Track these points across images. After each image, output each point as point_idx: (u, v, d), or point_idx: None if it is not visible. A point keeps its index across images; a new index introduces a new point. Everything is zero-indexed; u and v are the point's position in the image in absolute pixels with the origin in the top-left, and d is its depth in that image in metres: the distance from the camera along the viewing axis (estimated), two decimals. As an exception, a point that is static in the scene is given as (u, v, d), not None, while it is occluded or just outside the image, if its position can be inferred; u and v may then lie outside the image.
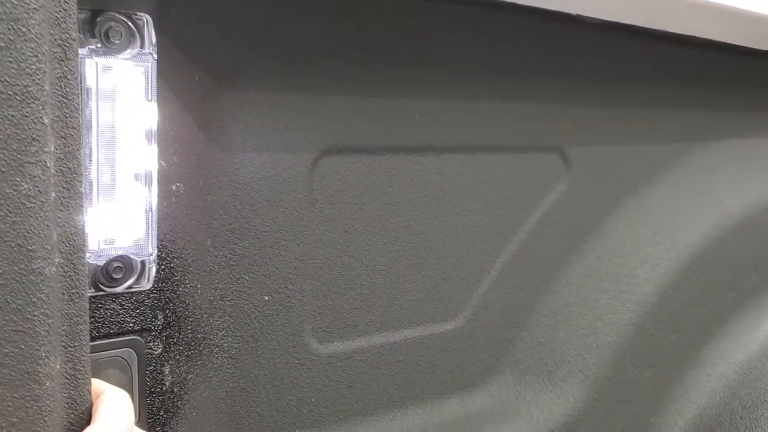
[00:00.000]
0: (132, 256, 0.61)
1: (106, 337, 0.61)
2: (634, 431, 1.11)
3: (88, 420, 0.51)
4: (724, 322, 1.20)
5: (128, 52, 0.58)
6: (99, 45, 0.57)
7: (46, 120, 0.46)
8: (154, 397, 0.66)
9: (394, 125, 0.82)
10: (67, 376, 0.50)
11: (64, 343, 0.50)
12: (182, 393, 0.69)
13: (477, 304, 0.95)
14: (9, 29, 0.44)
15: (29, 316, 0.47)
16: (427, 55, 0.83)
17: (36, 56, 0.46)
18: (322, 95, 0.76)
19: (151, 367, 0.65)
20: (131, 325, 0.63)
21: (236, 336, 0.75)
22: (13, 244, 0.46)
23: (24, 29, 0.45)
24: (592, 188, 1.04)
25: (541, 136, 0.99)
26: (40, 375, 0.47)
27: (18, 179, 0.45)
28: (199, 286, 0.70)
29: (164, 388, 0.67)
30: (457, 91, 0.87)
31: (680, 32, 0.95)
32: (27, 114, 0.45)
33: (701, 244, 1.15)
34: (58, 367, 0.49)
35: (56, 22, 0.48)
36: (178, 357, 0.68)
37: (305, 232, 0.78)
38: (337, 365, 0.84)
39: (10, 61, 0.45)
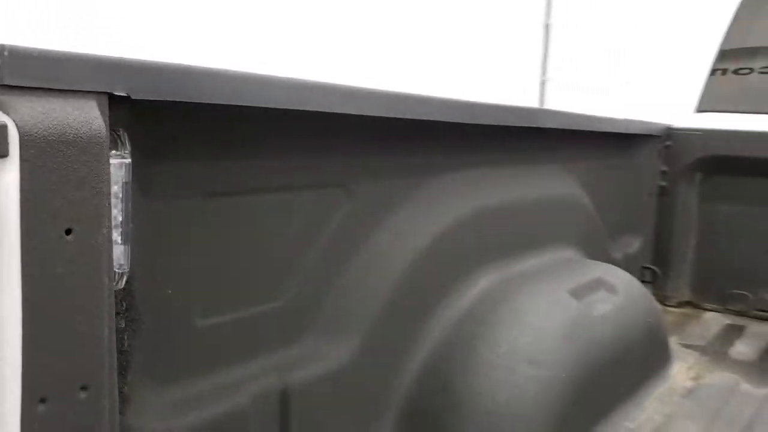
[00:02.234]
0: (117, 270, 1.04)
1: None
2: (404, 358, 1.69)
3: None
4: (451, 286, 1.85)
5: (114, 153, 1.02)
6: (101, 150, 1.00)
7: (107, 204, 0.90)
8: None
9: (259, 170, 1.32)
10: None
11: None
12: (133, 343, 1.12)
13: (296, 287, 1.47)
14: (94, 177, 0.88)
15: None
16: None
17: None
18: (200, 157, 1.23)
19: (121, 336, 1.08)
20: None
21: (152, 313, 1.19)
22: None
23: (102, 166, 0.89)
24: (366, 211, 1.61)
25: (331, 176, 1.54)
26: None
27: (96, 232, 0.89)
28: (139, 286, 1.13)
29: (123, 348, 1.10)
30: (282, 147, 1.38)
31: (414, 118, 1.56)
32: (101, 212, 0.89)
33: (433, 239, 1.78)
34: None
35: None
36: (134, 328, 1.11)
37: (197, 246, 1.25)
38: (212, 334, 1.31)
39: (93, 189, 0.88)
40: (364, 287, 1.63)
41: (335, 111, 1.36)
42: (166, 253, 1.20)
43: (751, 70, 3.58)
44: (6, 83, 0.81)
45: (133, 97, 0.95)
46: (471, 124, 1.82)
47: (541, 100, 10.20)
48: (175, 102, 1.07)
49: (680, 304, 3.44)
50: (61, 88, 0.86)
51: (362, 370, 1.60)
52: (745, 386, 2.39)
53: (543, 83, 10.90)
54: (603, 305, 2.13)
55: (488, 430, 1.65)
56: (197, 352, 1.29)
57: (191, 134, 1.20)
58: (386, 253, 1.68)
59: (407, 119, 1.59)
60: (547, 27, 10.77)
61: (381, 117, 1.51)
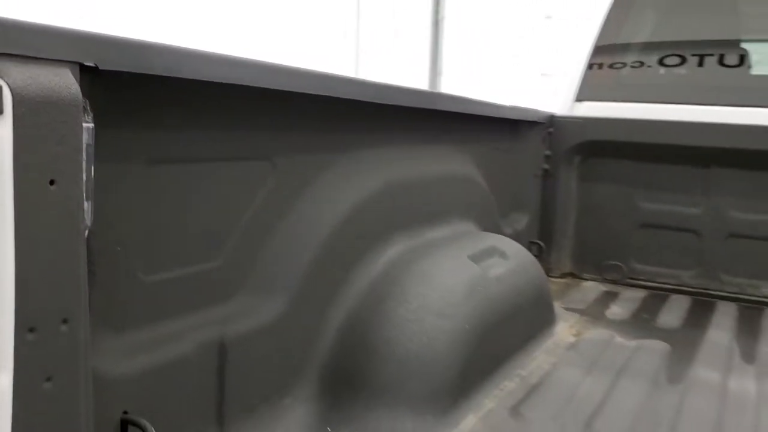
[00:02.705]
0: (81, 223, 1.16)
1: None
2: (327, 315, 1.87)
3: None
4: (367, 252, 2.04)
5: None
6: (67, 115, 1.11)
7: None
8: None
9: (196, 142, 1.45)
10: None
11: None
12: (91, 293, 1.23)
13: (230, 249, 1.61)
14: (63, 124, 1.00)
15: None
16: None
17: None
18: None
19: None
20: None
21: (104, 268, 1.30)
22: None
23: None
24: (290, 182, 1.77)
25: (259, 150, 1.69)
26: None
27: (74, 184, 1.02)
28: (94, 241, 1.25)
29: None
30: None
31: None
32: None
33: (350, 209, 1.96)
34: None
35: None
36: (91, 280, 1.23)
37: (142, 208, 1.37)
38: (157, 289, 1.43)
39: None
40: (289, 251, 1.79)
41: (263, 86, 1.52)
42: (115, 213, 1.32)
43: (624, 64, 3.97)
44: (0, 51, 0.92)
45: (100, 68, 1.08)
46: (381, 105, 2.01)
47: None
48: (129, 74, 1.20)
49: (563, 275, 3.79)
50: (44, 56, 0.98)
51: (289, 326, 1.76)
52: (619, 339, 2.73)
53: (435, 77, 11.31)
54: (497, 269, 2.39)
55: (402, 374, 1.86)
56: (144, 304, 1.42)
57: (140, 105, 1.32)
58: (308, 221, 1.85)
59: (326, 99, 1.77)
60: (436, 23, 11.16)
61: (303, 94, 1.68)
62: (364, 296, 1.98)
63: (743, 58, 3.71)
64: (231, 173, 1.60)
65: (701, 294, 3.48)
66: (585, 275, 3.79)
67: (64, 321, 1.02)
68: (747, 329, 2.93)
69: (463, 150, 2.85)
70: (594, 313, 3.14)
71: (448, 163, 2.71)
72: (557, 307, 3.03)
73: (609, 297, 3.45)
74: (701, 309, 3.24)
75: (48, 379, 1.00)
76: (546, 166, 3.77)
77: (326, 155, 1.93)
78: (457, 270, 2.20)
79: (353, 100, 1.89)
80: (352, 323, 1.92)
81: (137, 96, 1.31)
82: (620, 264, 3.70)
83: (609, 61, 4.01)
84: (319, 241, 1.86)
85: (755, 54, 3.79)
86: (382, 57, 10.93)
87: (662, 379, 2.32)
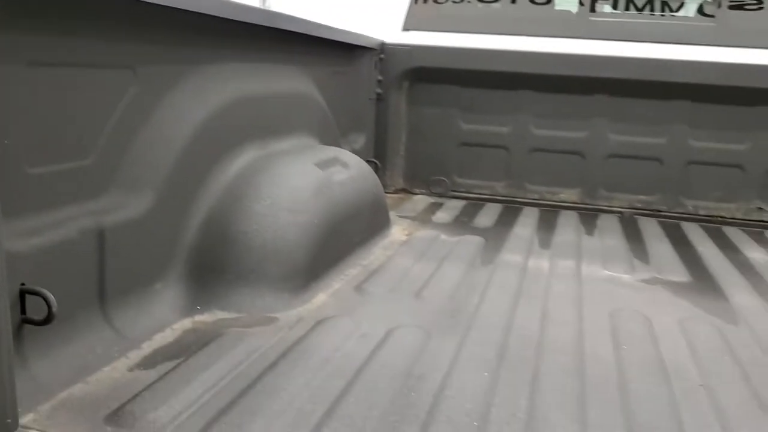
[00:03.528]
0: None
1: None
2: (190, 212, 2.08)
3: None
4: (223, 156, 2.26)
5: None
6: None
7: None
8: None
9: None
10: None
11: None
12: None
13: (100, 148, 1.78)
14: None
15: None
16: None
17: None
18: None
19: None
20: None
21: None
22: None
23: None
24: (150, 90, 1.95)
25: (123, 58, 1.85)
26: None
27: None
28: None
29: None
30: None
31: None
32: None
33: (206, 117, 2.17)
34: None
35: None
36: None
37: (24, 106, 1.52)
38: (42, 180, 1.59)
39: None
40: (153, 153, 1.97)
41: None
42: (1, 109, 1.46)
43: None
44: None
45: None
46: (229, 21, 2.21)
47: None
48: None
49: (396, 191, 4.21)
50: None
51: (157, 220, 1.97)
52: (443, 237, 3.17)
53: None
54: (340, 175, 2.71)
55: (260, 259, 2.14)
56: (32, 193, 1.57)
57: (23, 10, 1.46)
58: (169, 127, 2.04)
59: (180, 13, 1.94)
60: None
61: (160, 8, 1.85)
62: (223, 195, 2.21)
63: (550, -4, 4.24)
64: (99, 79, 1.76)
65: (510, 201, 4.04)
66: (415, 190, 4.23)
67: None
68: (545, 226, 3.50)
69: (305, 71, 3.10)
70: (423, 218, 3.58)
71: (293, 82, 2.95)
72: (392, 215, 3.42)
73: (435, 206, 3.90)
74: (510, 212, 3.78)
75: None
76: (379, 90, 4.11)
77: (183, 67, 2.11)
78: (305, 174, 2.49)
79: (203, 14, 2.06)
80: (213, 218, 2.15)
81: (21, 1, 1.45)
82: (444, 179, 4.17)
83: (433, -4, 4.38)
84: (179, 145, 2.06)
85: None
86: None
87: (477, 262, 2.77)
